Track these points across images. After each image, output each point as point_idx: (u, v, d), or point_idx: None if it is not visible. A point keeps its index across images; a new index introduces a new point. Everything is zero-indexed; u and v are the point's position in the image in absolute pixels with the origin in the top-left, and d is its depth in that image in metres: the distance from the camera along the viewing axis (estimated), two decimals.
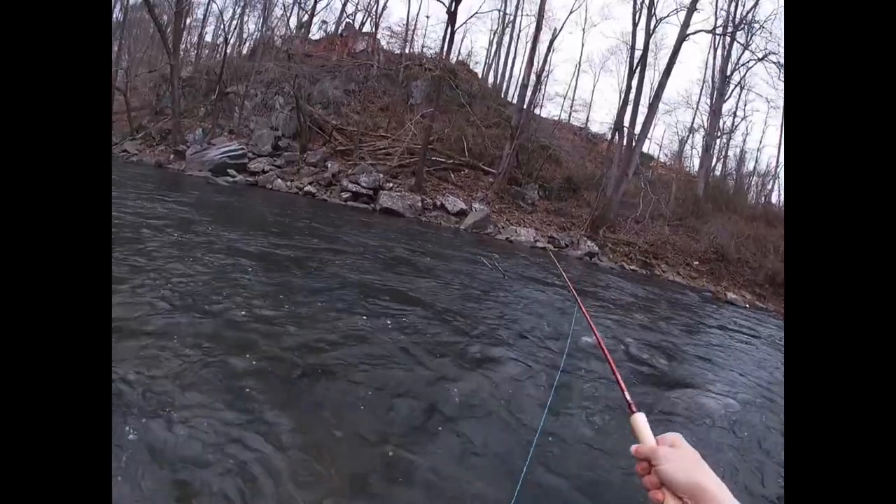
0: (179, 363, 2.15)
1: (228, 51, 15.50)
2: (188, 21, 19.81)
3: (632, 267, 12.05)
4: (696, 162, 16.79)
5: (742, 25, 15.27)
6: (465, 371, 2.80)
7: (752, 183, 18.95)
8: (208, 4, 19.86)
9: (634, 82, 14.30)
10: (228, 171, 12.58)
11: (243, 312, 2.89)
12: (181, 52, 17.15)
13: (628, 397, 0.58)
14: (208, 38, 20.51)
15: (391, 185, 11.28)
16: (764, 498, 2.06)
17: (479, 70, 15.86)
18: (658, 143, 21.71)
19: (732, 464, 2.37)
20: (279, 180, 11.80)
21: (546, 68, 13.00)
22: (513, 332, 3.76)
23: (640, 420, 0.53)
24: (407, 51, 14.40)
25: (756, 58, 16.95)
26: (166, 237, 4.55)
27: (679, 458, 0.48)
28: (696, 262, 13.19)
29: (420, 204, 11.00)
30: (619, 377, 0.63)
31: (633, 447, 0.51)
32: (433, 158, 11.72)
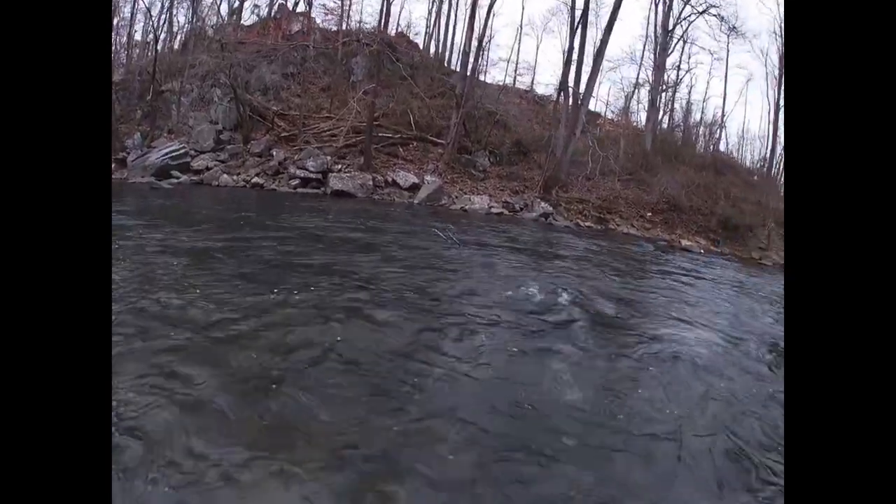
0: None
1: (159, 47, 14.74)
2: (116, 21, 18.63)
3: (587, 223, 12.44)
4: (643, 116, 17.24)
5: None
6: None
7: (700, 133, 19.63)
8: (135, 1, 18.71)
9: (577, 42, 14.41)
10: (172, 172, 12.12)
11: (154, 302, 2.83)
12: (112, 55, 16.19)
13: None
14: (138, 36, 19.34)
15: (340, 166, 11.18)
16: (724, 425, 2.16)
17: (419, 41, 15.69)
18: (604, 100, 22.08)
19: (695, 397, 2.45)
20: (225, 175, 11.50)
21: (487, 33, 13.01)
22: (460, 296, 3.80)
23: None
24: (343, 27, 14.05)
25: (697, 11, 17.39)
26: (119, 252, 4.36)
27: None
28: (650, 214, 13.70)
29: (371, 182, 10.97)
30: None
31: None
32: (380, 135, 11.64)
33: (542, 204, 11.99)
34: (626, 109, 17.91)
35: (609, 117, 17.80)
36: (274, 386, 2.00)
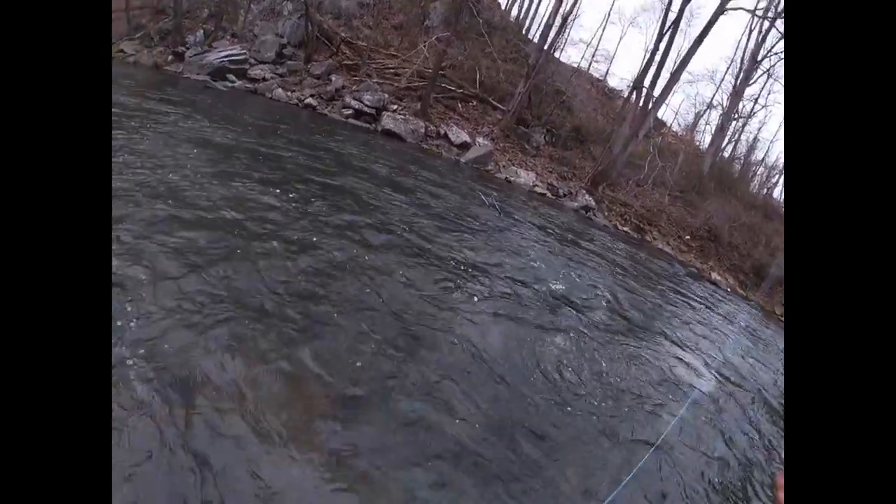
0: None
1: None
2: None
3: (624, 228, 12.03)
4: (707, 139, 16.51)
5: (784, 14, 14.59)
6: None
7: (758, 173, 18.78)
8: None
9: (662, 45, 13.68)
10: (228, 75, 12.01)
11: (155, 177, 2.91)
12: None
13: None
14: None
15: (395, 107, 10.88)
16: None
17: (503, 1, 14.98)
18: (674, 111, 21.28)
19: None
20: (279, 90, 11.30)
21: (574, 11, 12.37)
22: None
23: None
24: None
25: None
26: (145, 131, 4.35)
27: None
28: (688, 237, 13.22)
29: (423, 130, 10.67)
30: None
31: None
32: (443, 85, 11.26)
33: (586, 196, 11.60)
34: (692, 126, 17.14)
35: (674, 130, 17.07)
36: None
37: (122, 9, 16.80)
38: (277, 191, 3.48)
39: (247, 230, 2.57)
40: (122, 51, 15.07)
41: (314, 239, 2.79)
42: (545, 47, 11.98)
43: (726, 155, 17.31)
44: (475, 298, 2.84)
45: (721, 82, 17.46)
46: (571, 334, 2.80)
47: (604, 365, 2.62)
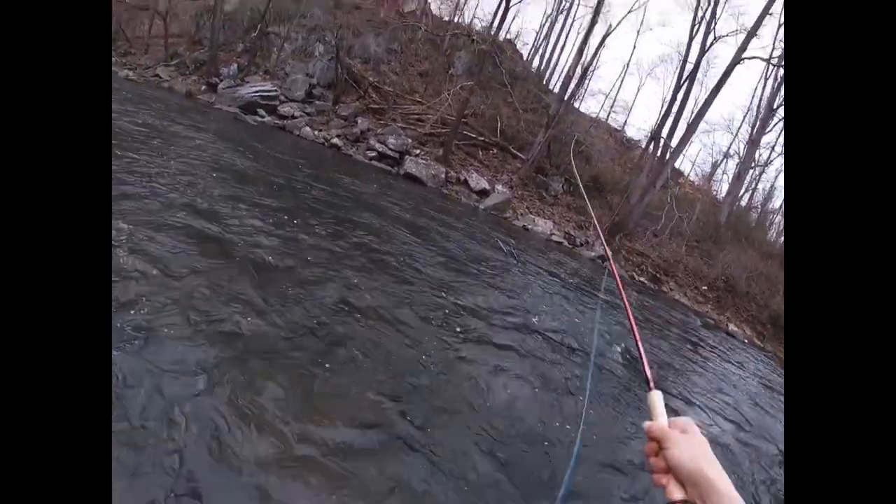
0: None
1: None
2: None
3: (641, 279, 11.94)
4: (724, 188, 16.50)
5: None
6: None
7: (775, 221, 18.61)
8: None
9: (680, 95, 13.93)
10: (258, 110, 12.46)
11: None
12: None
13: (648, 373, 0.57)
14: None
15: (418, 151, 11.13)
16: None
17: (524, 52, 15.50)
18: (691, 160, 21.36)
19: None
20: (307, 128, 11.67)
21: (594, 62, 12.68)
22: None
23: (657, 398, 0.52)
24: (456, 19, 14.05)
25: None
26: (172, 153, 4.56)
27: (688, 444, 0.46)
28: (705, 288, 13.05)
29: (444, 176, 10.86)
30: (642, 352, 0.62)
31: (646, 424, 0.50)
32: (464, 133, 11.52)
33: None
34: (710, 176, 17.18)
35: (691, 179, 17.12)
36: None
37: (161, 35, 17.70)
38: (296, 221, 3.65)
39: (253, 259, 2.60)
40: (157, 76, 15.77)
41: (332, 273, 2.84)
42: (565, 98, 12.24)
43: (743, 203, 17.25)
44: (489, 350, 2.82)
45: (738, 131, 17.57)
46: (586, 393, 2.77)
47: (620, 428, 2.55)
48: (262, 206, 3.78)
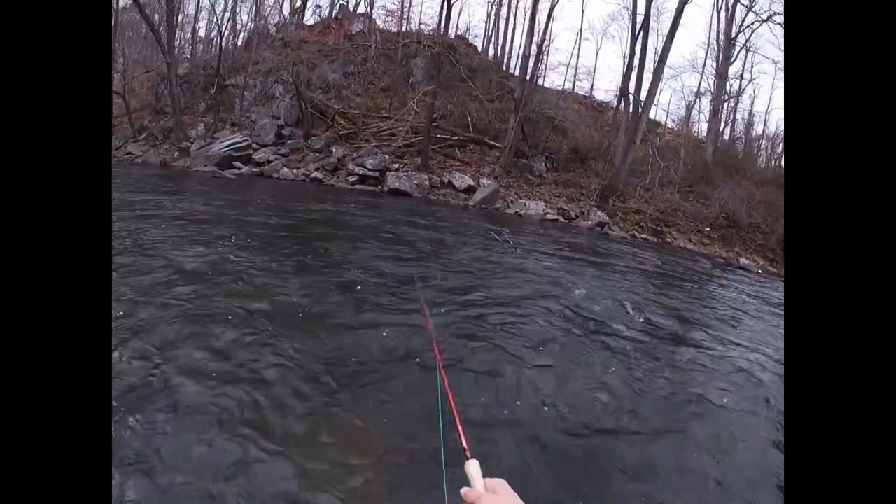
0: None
1: (223, 44, 15.34)
2: (180, 17, 19.65)
3: (643, 235, 11.95)
4: (704, 127, 16.49)
5: None
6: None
7: (762, 147, 18.58)
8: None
9: (637, 48, 13.97)
10: (234, 163, 12.56)
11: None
12: (176, 50, 17.03)
13: (465, 444, 0.60)
14: (202, 32, 20.37)
15: (397, 165, 11.22)
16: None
17: (478, 44, 15.62)
18: (665, 108, 21.38)
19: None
20: (285, 168, 11.78)
21: (547, 38, 12.75)
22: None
23: (473, 467, 0.56)
24: (404, 29, 14.17)
25: (760, 19, 16.50)
26: (165, 230, 4.62)
27: (501, 502, 0.53)
28: (708, 229, 13.05)
29: (427, 182, 10.95)
30: (458, 422, 0.64)
31: (462, 490, 0.55)
32: (438, 136, 11.61)
33: (599, 213, 11.62)
34: (686, 119, 17.20)
35: (669, 126, 17.13)
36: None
37: (123, 113, 17.87)
38: (286, 251, 3.80)
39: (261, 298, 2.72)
40: (129, 153, 15.90)
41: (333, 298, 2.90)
42: (527, 78, 12.30)
43: (726, 138, 17.23)
44: (513, 333, 2.83)
45: (703, 68, 17.56)
46: (620, 359, 2.77)
47: (662, 379, 2.59)
48: (254, 250, 3.90)
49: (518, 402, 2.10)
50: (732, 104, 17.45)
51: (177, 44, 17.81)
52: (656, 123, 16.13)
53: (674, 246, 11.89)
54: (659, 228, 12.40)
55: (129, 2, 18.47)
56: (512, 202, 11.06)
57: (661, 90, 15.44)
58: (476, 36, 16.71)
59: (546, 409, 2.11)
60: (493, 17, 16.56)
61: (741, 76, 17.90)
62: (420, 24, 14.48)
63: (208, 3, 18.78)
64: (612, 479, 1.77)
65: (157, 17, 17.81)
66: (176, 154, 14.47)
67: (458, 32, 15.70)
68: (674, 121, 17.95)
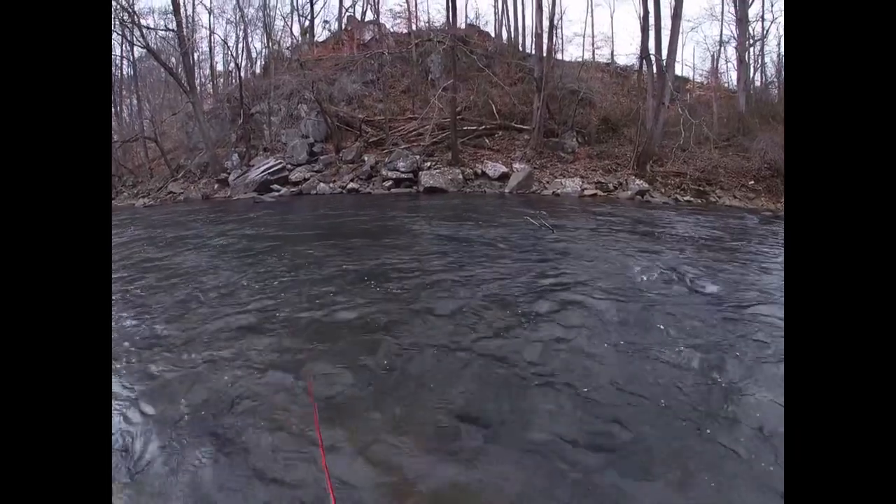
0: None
1: (242, 74, 15.98)
2: (196, 56, 20.60)
3: (686, 198, 11.60)
4: (734, 76, 15.73)
5: None
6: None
7: None
8: (210, 36, 20.50)
9: (651, 5, 13.49)
10: (272, 186, 13.12)
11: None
12: (198, 87, 17.86)
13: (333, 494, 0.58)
14: (219, 67, 21.22)
15: (429, 163, 11.39)
16: None
17: (490, 30, 15.50)
18: (689, 64, 20.44)
19: None
20: (322, 184, 12.20)
21: (557, 10, 12.53)
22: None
23: None
24: (414, 28, 14.28)
25: None
26: (218, 259, 4.89)
27: None
28: (752, 182, 12.50)
29: (461, 176, 11.06)
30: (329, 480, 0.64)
31: None
32: (465, 128, 11.69)
33: (637, 181, 11.37)
34: (714, 71, 16.46)
35: (697, 81, 16.46)
36: None
37: (158, 156, 18.92)
38: (340, 261, 3.97)
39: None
40: (171, 192, 16.80)
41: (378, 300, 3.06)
42: (544, 55, 12.15)
43: (758, 84, 16.37)
44: (572, 318, 2.79)
45: (722, 14, 16.73)
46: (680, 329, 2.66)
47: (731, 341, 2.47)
48: (309, 257, 4.14)
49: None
50: (759, 48, 16.55)
51: (197, 81, 18.69)
52: (684, 80, 15.53)
53: (719, 205, 11.47)
54: (701, 189, 12.00)
55: (144, 52, 19.52)
56: (548, 183, 11.00)
57: (683, 45, 14.86)
58: (487, 22, 16.69)
59: None
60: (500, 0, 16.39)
61: (762, 17, 16.93)
62: (429, 20, 14.56)
63: (220, 39, 19.58)
64: None
65: (173, 60, 18.67)
66: (216, 186, 15.20)
67: (469, 21, 15.69)
68: (701, 75, 17.21)
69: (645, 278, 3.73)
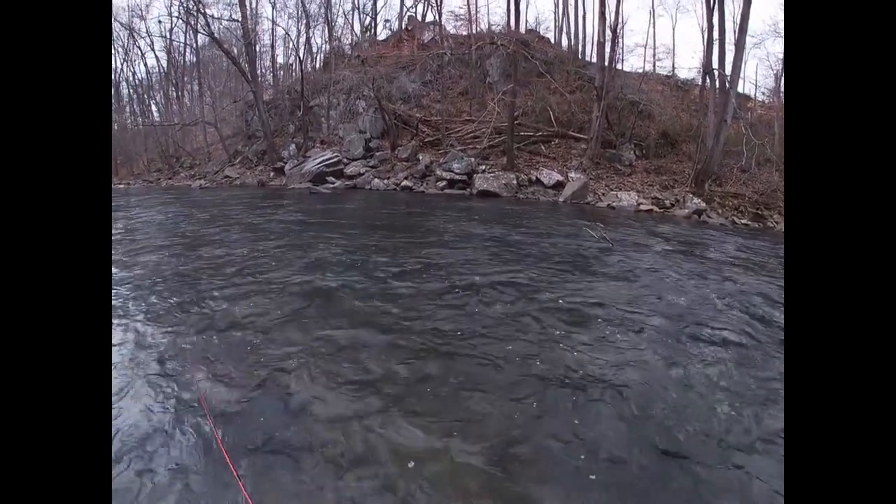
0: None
1: (303, 67, 16.65)
2: (258, 48, 21.57)
3: (743, 221, 11.28)
4: None
5: None
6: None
7: None
8: (272, 29, 21.43)
9: (715, 19, 13.12)
10: (327, 178, 13.65)
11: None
12: (259, 78, 18.71)
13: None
14: (280, 59, 22.15)
15: (484, 167, 11.58)
16: None
17: (550, 36, 15.49)
18: (752, 81, 19.62)
19: None
20: (376, 180, 12.61)
21: (620, 20, 12.42)
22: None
23: None
24: (474, 31, 14.48)
25: None
26: (279, 240, 5.31)
27: None
28: None
29: (515, 182, 11.19)
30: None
31: None
32: (521, 134, 11.80)
33: (695, 200, 11.16)
34: (777, 89, 15.83)
35: (759, 99, 15.90)
36: None
37: (217, 141, 19.98)
38: (389, 260, 4.22)
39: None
40: (227, 176, 17.74)
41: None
42: (605, 65, 12.08)
43: None
44: (617, 343, 2.79)
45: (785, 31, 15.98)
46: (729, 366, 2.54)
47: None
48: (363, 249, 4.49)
49: None
50: None
51: (258, 72, 19.61)
52: (745, 98, 15.04)
53: (777, 230, 11.11)
54: (759, 212, 11.62)
55: (207, 40, 20.60)
56: (603, 195, 10.97)
57: (745, 61, 14.34)
58: (547, 28, 16.60)
59: None
60: (561, 6, 16.32)
61: None
62: (489, 24, 14.69)
63: (282, 32, 20.44)
64: None
65: (235, 50, 19.61)
66: (272, 174, 15.96)
67: (529, 26, 15.73)
68: (763, 93, 16.58)
69: (726, 313, 3.55)
